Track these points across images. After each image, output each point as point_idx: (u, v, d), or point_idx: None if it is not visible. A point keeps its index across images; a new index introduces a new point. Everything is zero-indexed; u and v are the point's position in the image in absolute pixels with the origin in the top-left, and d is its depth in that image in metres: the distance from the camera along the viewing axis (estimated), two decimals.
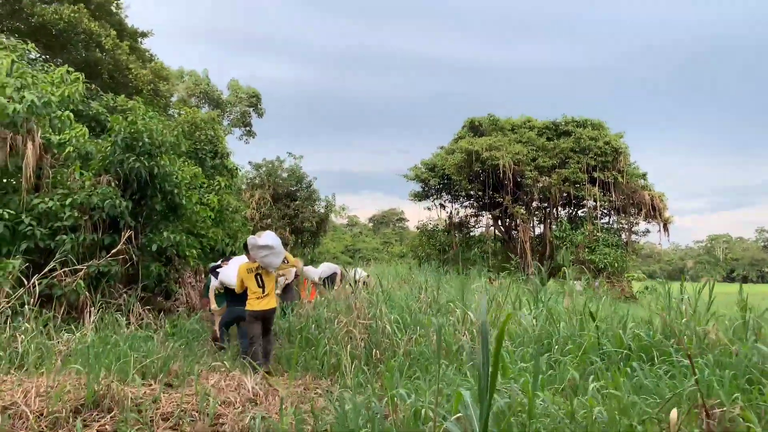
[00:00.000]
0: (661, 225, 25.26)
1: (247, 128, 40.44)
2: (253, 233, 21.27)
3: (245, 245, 7.15)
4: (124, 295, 8.69)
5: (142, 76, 16.91)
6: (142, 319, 8.55)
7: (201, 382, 5.38)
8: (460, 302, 6.43)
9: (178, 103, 19.93)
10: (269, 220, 28.73)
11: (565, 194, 24.66)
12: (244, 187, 29.80)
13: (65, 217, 8.56)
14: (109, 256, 8.64)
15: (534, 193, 24.14)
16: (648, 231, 27.02)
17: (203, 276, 11.78)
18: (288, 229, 29.53)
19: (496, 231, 27.81)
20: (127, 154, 9.27)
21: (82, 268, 8.24)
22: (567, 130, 25.47)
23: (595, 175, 24.14)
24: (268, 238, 6.78)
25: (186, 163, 13.58)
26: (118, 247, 8.75)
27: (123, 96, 15.00)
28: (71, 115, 10.72)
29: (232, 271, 7.82)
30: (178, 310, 10.25)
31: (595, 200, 24.21)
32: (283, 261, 7.09)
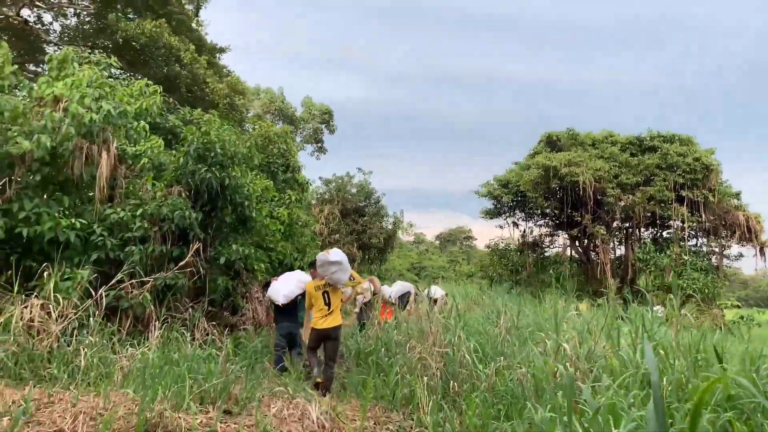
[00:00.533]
0: (758, 249, 23.21)
1: (319, 144, 40.86)
2: (322, 249, 21.14)
3: (312, 263, 7.33)
4: (191, 309, 8.45)
5: (218, 90, 17.11)
6: (207, 334, 8.28)
7: (262, 409, 4.92)
8: (550, 331, 5.70)
9: (253, 118, 20.10)
10: (337, 235, 28.62)
11: (649, 214, 23.10)
12: (313, 202, 29.89)
13: (135, 227, 8.43)
14: (177, 269, 8.44)
15: (616, 212, 22.73)
16: (741, 255, 24.93)
17: None
18: (356, 245, 29.32)
19: (573, 252, 26.44)
20: (198, 165, 9.11)
21: (149, 281, 8.06)
22: (652, 146, 23.93)
23: (683, 193, 22.48)
24: (337, 254, 6.92)
25: (258, 176, 13.45)
26: (186, 259, 8.54)
27: (199, 110, 15.14)
28: (146, 126, 10.76)
29: (280, 286, 8.08)
30: (244, 326, 9.96)
31: (682, 221, 22.53)
32: (350, 278, 7.15)
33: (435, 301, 10.71)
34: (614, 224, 23.92)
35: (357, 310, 9.71)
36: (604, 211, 23.34)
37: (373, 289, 10.15)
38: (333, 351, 6.85)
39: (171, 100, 15.74)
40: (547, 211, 26.31)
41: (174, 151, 9.98)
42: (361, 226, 29.63)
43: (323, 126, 41.00)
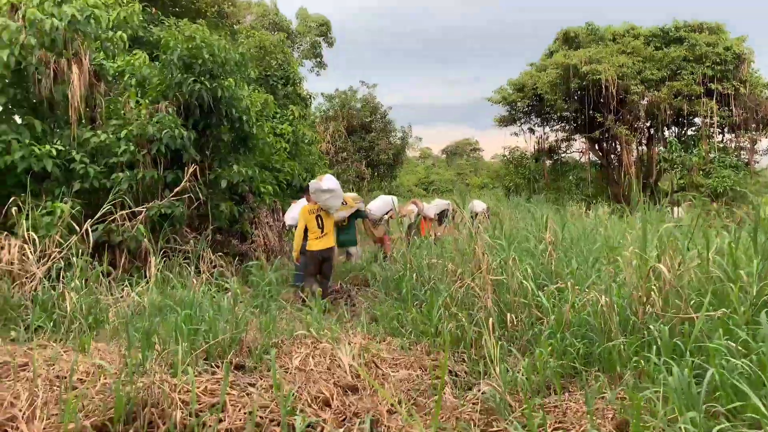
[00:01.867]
0: None
1: (318, 59, 38.82)
2: (330, 167, 19.88)
3: (306, 188, 7.52)
4: (193, 240, 7.50)
5: None
6: (214, 266, 7.37)
7: (282, 360, 4.01)
8: (632, 245, 4.68)
9: (246, 28, 18.39)
10: (344, 153, 27.45)
11: (674, 111, 21.59)
12: (317, 120, 28.53)
13: (120, 151, 7.34)
14: (173, 196, 7.42)
15: (640, 110, 21.23)
16: None
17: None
18: (364, 162, 28.20)
19: (593, 156, 25.16)
20: (185, 75, 7.88)
21: (142, 211, 7.07)
22: (678, 37, 22.03)
23: (713, 86, 20.86)
24: (330, 182, 7.12)
25: (256, 90, 12.16)
26: (182, 184, 7.50)
27: (186, 20, 13.62)
28: (124, 36, 9.42)
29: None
30: (255, 255, 9.06)
31: (711, 116, 21.05)
32: (342, 203, 7.47)
33: (476, 215, 10.31)
34: (638, 124, 22.48)
35: (404, 233, 9.48)
36: (627, 110, 21.85)
37: (417, 210, 10.25)
38: (328, 270, 7.30)
39: (153, 10, 14.21)
40: (566, 114, 24.79)
41: (157, 63, 8.69)
42: (369, 142, 28.39)
43: (321, 39, 38.81)
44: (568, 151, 27.30)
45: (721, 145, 22.27)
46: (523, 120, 26.28)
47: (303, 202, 8.18)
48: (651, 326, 3.82)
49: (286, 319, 5.20)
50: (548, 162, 26.16)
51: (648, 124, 23.08)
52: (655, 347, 3.66)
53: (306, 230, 7.24)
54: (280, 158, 10.89)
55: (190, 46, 8.01)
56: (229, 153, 8.55)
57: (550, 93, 22.06)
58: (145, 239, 6.75)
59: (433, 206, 11.26)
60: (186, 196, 7.57)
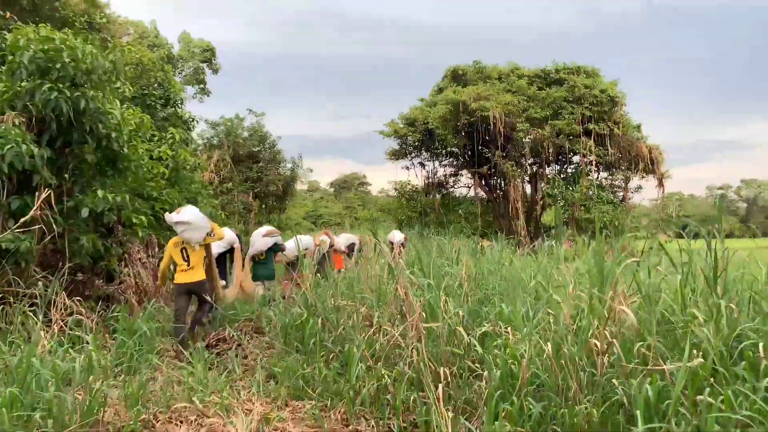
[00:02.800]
0: (658, 179, 23.52)
1: (201, 86, 37.06)
2: (215, 197, 18.37)
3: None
4: (42, 281, 6.07)
5: (72, 4, 13.75)
6: (71, 313, 6.00)
7: None
8: (578, 283, 4.11)
9: (120, 42, 16.74)
10: (230, 183, 25.97)
11: (557, 148, 22.53)
12: (201, 148, 26.87)
13: None
14: (18, 227, 6.00)
15: (525, 147, 21.91)
16: (640, 187, 25.34)
17: (156, 249, 9.18)
18: (251, 193, 26.85)
19: (480, 191, 25.61)
20: (38, 81, 6.52)
21: None
22: (558, 78, 23.20)
23: (591, 126, 22.06)
24: (187, 214, 6.82)
25: (130, 109, 10.77)
26: (31, 213, 6.10)
27: (49, 27, 11.93)
28: None
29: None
30: (123, 297, 7.68)
31: (589, 154, 22.16)
32: (209, 234, 6.93)
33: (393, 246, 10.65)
34: (523, 160, 23.20)
35: (314, 262, 8.95)
36: (512, 146, 22.48)
37: (329, 241, 10.02)
38: (203, 299, 6.93)
39: (8, 15, 12.40)
40: (454, 150, 25.14)
41: (3, 67, 7.20)
42: (256, 173, 27.07)
43: (205, 65, 37.17)
44: (456, 186, 27.72)
45: (599, 182, 23.48)
46: (413, 154, 26.32)
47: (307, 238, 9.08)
48: (615, 381, 3.22)
49: (161, 384, 4.08)
50: (438, 196, 26.30)
51: (531, 161, 23.89)
52: (622, 409, 3.06)
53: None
54: (157, 185, 9.57)
55: (46, 48, 6.69)
56: (94, 176, 7.19)
57: (441, 128, 22.21)
58: None
59: (343, 238, 11.23)
60: (36, 227, 6.16)
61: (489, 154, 22.19)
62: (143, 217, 8.07)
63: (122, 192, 7.24)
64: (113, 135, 7.04)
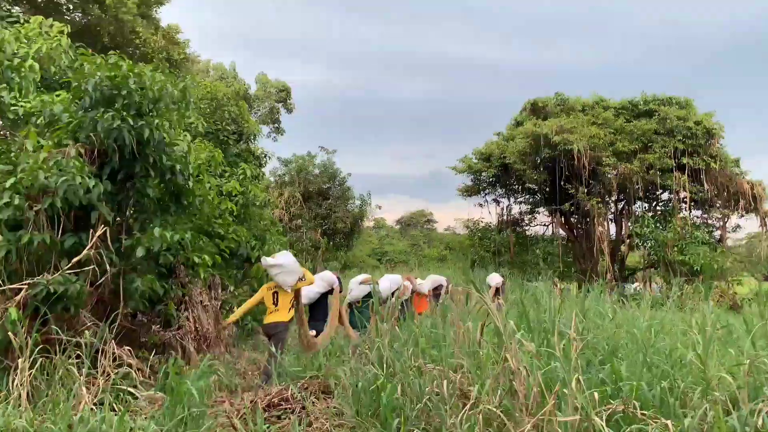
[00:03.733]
0: (761, 218, 21.34)
1: (276, 125, 37.70)
2: (284, 234, 18.05)
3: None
4: (92, 328, 5.47)
5: (152, 41, 13.84)
6: (120, 365, 5.35)
7: None
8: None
9: (195, 76, 16.82)
10: (299, 220, 25.72)
11: (647, 184, 20.89)
12: (272, 184, 26.89)
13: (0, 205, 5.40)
14: (68, 268, 5.45)
15: (612, 183, 20.38)
16: (739, 227, 23.14)
17: (219, 290, 8.57)
18: (320, 230, 26.49)
19: (560, 229, 24.13)
20: (102, 110, 6.07)
21: (22, 288, 5.07)
22: (648, 110, 21.65)
23: (684, 160, 20.33)
24: (281, 257, 7.16)
25: (202, 144, 10.41)
26: (85, 252, 5.55)
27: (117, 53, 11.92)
28: (36, 66, 7.67)
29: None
30: (181, 345, 7.02)
31: (682, 191, 20.38)
32: (300, 279, 7.17)
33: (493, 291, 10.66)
34: (608, 197, 21.66)
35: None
36: (598, 182, 21.01)
37: (412, 287, 9.94)
38: (276, 344, 6.88)
39: (90, 52, 12.47)
40: (531, 186, 23.88)
41: (70, 95, 6.85)
42: (326, 210, 26.75)
43: (280, 105, 37.85)
44: (531, 224, 26.36)
45: (695, 221, 21.55)
46: (487, 191, 25.27)
47: (327, 273, 8.84)
48: None
49: None
50: (512, 234, 24.98)
51: (615, 198, 22.29)
52: None
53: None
54: (224, 222, 9.03)
55: (112, 74, 6.26)
56: (156, 213, 6.65)
57: (519, 162, 21.09)
58: (17, 328, 4.72)
59: (428, 281, 11.00)
60: (89, 268, 5.60)
61: (572, 190, 20.80)
62: (207, 257, 7.45)
63: (185, 230, 6.63)
64: (178, 168, 6.48)
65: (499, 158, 22.41)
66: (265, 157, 14.91)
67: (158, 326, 7.14)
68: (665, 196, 22.84)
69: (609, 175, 20.56)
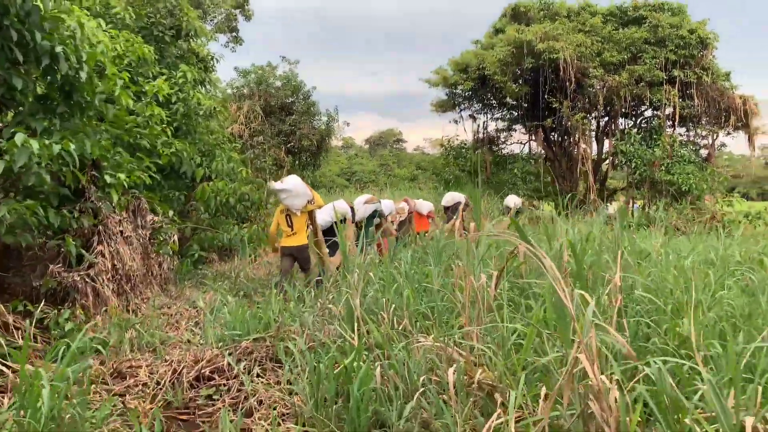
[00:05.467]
0: (749, 135, 20.20)
1: (234, 34, 34.64)
2: (242, 151, 16.79)
3: None
4: None
5: None
6: None
7: None
8: None
9: None
10: (261, 137, 23.70)
11: (635, 99, 19.39)
12: (230, 98, 24.61)
13: None
14: None
15: (599, 96, 18.77)
16: (724, 145, 22.08)
17: (149, 218, 6.88)
18: (283, 148, 24.59)
19: (540, 147, 22.66)
20: None
21: None
22: (638, 17, 19.79)
23: (675, 73, 18.76)
24: (288, 182, 7.25)
25: (124, 34, 8.34)
26: None
27: None
28: None
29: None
30: (92, 287, 5.41)
31: (672, 106, 18.95)
32: (309, 202, 7.25)
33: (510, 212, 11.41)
34: (594, 112, 20.15)
35: (394, 230, 9.57)
36: (583, 95, 19.40)
37: (408, 208, 10.13)
38: (304, 264, 7.39)
39: None
40: (510, 100, 22.15)
41: None
42: (289, 126, 24.70)
43: (237, 11, 34.66)
44: (507, 142, 24.84)
45: (684, 139, 20.31)
46: (463, 106, 23.46)
47: (341, 203, 8.60)
48: None
49: None
50: (489, 153, 23.47)
51: (602, 113, 20.80)
52: None
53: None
54: (151, 132, 7.18)
55: None
56: (35, 114, 4.81)
57: (499, 73, 19.19)
58: None
59: (426, 202, 11.15)
60: None
61: (556, 105, 19.16)
62: (122, 175, 5.71)
63: (79, 137, 4.84)
64: (60, 50, 4.59)
65: (477, 69, 20.45)
66: (212, 59, 12.73)
67: (59, 266, 5.48)
68: (648, 112, 21.43)
69: (595, 88, 18.94)
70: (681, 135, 20.90)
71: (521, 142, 24.20)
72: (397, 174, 54.82)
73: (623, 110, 20.10)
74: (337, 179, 49.52)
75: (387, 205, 9.61)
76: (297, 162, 26.12)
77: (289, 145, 25.13)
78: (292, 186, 7.21)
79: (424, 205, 10.88)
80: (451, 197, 11.41)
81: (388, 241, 8.35)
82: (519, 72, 19.34)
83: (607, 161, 21.47)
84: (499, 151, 24.21)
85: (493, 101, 23.05)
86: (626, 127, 21.40)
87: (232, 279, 8.44)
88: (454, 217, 10.38)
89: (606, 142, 21.45)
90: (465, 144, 23.48)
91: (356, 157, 69.73)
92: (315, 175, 28.65)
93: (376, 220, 9.07)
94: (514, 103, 22.33)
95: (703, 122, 20.63)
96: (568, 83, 18.20)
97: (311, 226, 7.56)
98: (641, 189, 19.82)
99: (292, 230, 7.31)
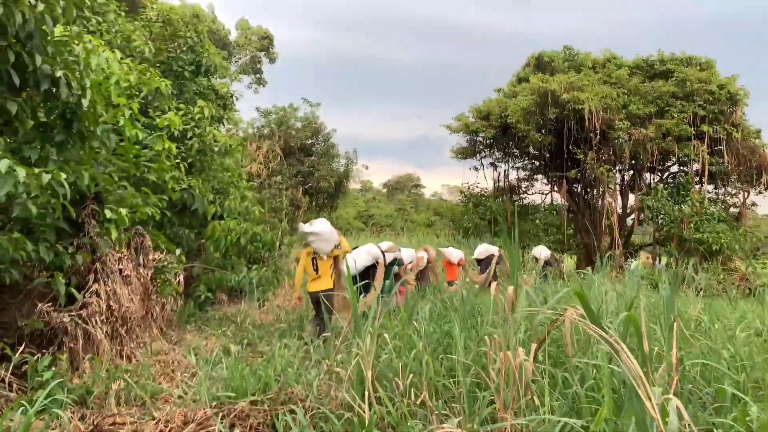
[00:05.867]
0: None
1: (258, 75, 35.15)
2: (259, 191, 17.02)
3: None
4: None
5: None
6: None
7: None
8: None
9: None
10: (279, 177, 23.53)
11: (662, 153, 18.89)
12: (250, 137, 24.61)
13: None
14: None
15: (625, 149, 18.32)
16: (755, 204, 21.37)
17: (151, 256, 6.47)
18: (301, 188, 24.38)
19: (562, 199, 22.12)
20: None
21: None
22: (665, 70, 19.51)
23: (704, 128, 18.32)
24: (317, 225, 7.24)
25: (148, 70, 8.14)
26: None
27: None
28: None
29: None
30: (83, 329, 4.96)
31: (701, 162, 18.41)
32: (336, 247, 7.24)
33: (541, 264, 11.69)
34: (619, 165, 19.67)
35: (413, 280, 9.48)
36: (608, 147, 18.97)
37: (428, 258, 9.92)
38: (328, 308, 6.76)
39: None
40: (532, 150, 21.77)
41: None
42: (308, 167, 24.52)
43: (262, 54, 35.24)
44: (529, 192, 24.35)
45: (713, 196, 19.68)
46: (483, 153, 23.13)
47: (373, 247, 8.44)
48: None
49: None
50: (509, 202, 22.98)
51: (627, 167, 20.32)
52: None
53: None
54: (160, 167, 6.85)
55: None
56: (31, 142, 4.47)
57: (522, 122, 18.89)
58: None
59: (478, 251, 11.24)
60: None
61: (580, 156, 18.74)
62: (123, 210, 5.32)
63: (78, 168, 4.48)
64: (61, 76, 4.27)
65: (500, 117, 20.20)
66: (231, 97, 12.58)
67: (49, 305, 5.05)
68: (675, 167, 20.92)
69: (620, 140, 18.51)
70: (709, 192, 20.32)
71: (543, 193, 23.76)
72: (415, 219, 54.41)
73: (650, 164, 19.61)
74: (354, 222, 49.23)
75: (407, 254, 9.44)
76: (314, 203, 25.88)
77: (306, 186, 24.92)
78: (321, 230, 7.20)
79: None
80: (485, 249, 11.23)
81: (406, 291, 8.25)
82: (542, 121, 19.00)
83: (631, 216, 20.85)
84: (520, 201, 23.72)
85: (515, 150, 22.71)
86: (652, 181, 20.87)
87: (237, 323, 7.97)
88: (488, 271, 10.46)
89: (631, 197, 20.89)
90: (485, 192, 23.04)
91: (374, 201, 69.58)
92: (332, 217, 28.39)
93: (395, 269, 8.88)
94: (536, 152, 21.98)
95: (733, 179, 20.05)
96: (593, 135, 17.81)
97: (335, 272, 7.39)
98: (667, 246, 19.14)
99: (317, 274, 7.26)
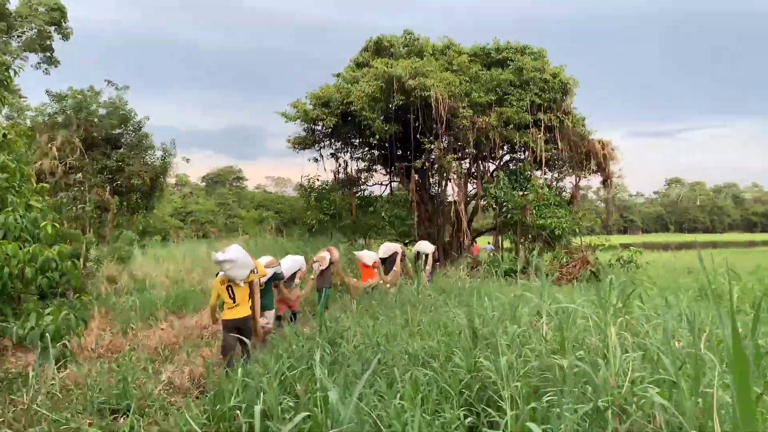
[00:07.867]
0: (602, 179, 20.62)
1: (48, 54, 29.55)
2: (54, 193, 13.53)
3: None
4: None
5: None
6: None
7: None
8: None
9: None
10: (79, 174, 19.62)
11: (504, 140, 18.78)
12: (40, 126, 20.21)
13: None
14: None
15: (469, 137, 17.79)
16: (590, 187, 22.48)
17: None
18: (108, 187, 20.62)
19: (404, 188, 21.25)
20: None
21: None
22: (502, 58, 19.44)
23: (540, 116, 18.53)
24: (230, 252, 7.01)
25: None
26: None
27: None
28: None
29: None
30: None
31: (539, 149, 18.58)
32: (252, 272, 7.13)
33: (424, 257, 12.10)
34: (463, 154, 19.20)
35: (313, 276, 9.85)
36: (452, 135, 18.36)
37: (330, 258, 10.08)
38: (247, 335, 6.93)
39: None
40: (373, 140, 20.56)
41: None
42: (116, 161, 20.75)
43: (52, 28, 29.70)
44: (368, 183, 23.21)
45: (550, 182, 20.12)
46: (323, 144, 21.40)
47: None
48: None
49: None
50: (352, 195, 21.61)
51: (472, 155, 20.00)
52: None
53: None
54: None
55: None
56: None
57: (368, 110, 17.44)
58: None
59: (381, 250, 11.49)
60: None
61: (428, 145, 17.86)
62: None
63: None
64: None
65: (341, 104, 18.56)
66: (7, 71, 9.29)
67: None
68: (514, 155, 21.17)
69: (464, 129, 17.97)
70: (546, 178, 20.82)
71: (382, 183, 22.76)
72: (241, 215, 51.07)
73: (491, 152, 19.46)
74: (170, 220, 44.72)
75: (287, 264, 9.29)
76: (125, 204, 22.13)
77: (115, 185, 21.15)
78: (236, 256, 6.94)
79: (369, 256, 10.97)
80: (388, 248, 11.54)
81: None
82: (388, 108, 17.78)
83: (472, 203, 20.62)
84: (361, 193, 22.45)
85: (354, 139, 21.34)
86: (489, 169, 20.87)
87: (22, 403, 5.12)
88: (393, 270, 11.12)
89: (473, 184, 20.67)
90: (327, 185, 21.37)
91: (191, 196, 64.56)
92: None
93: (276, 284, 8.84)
94: (378, 142, 20.83)
95: (565, 165, 20.75)
96: (438, 123, 16.98)
97: (252, 296, 7.25)
98: (509, 232, 19.22)
99: (234, 302, 7.03)
